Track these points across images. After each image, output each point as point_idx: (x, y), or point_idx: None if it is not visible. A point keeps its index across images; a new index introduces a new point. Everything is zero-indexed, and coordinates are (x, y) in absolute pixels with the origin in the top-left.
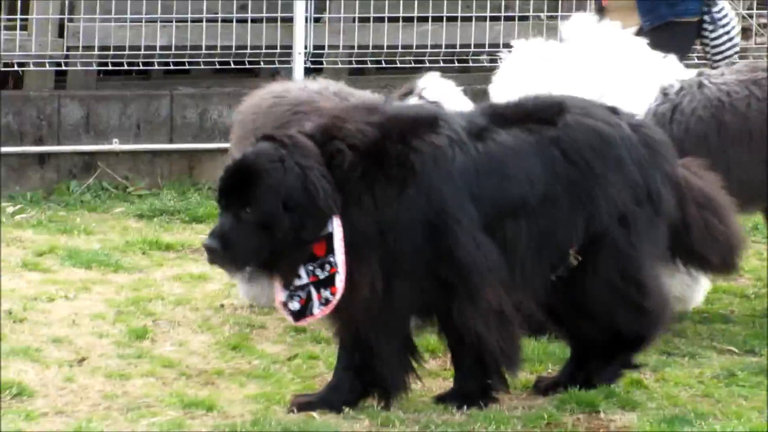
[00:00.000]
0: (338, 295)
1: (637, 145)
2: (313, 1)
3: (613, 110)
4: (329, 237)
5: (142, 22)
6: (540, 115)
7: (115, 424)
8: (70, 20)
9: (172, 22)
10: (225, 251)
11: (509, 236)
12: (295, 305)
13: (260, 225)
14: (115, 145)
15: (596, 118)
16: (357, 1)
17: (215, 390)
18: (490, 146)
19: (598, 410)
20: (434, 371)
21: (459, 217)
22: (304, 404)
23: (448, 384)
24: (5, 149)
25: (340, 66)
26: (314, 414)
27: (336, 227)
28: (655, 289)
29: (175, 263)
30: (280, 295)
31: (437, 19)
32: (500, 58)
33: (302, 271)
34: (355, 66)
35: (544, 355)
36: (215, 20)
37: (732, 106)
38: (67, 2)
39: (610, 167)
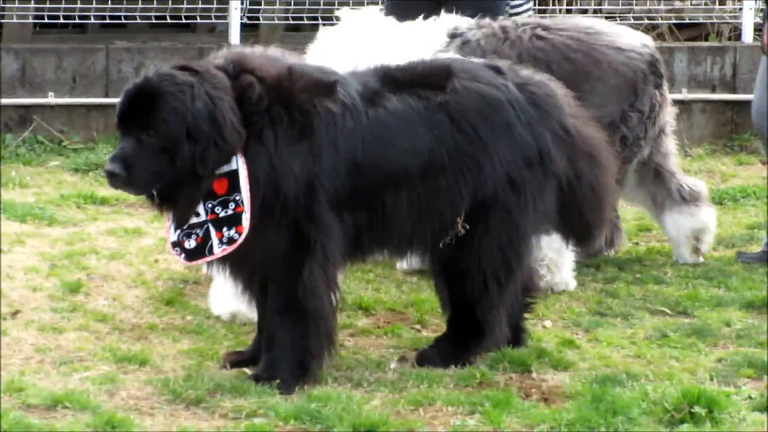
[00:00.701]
0: (244, 234)
1: (525, 105)
2: None
3: (498, 70)
4: (233, 174)
5: None
6: (429, 80)
7: (48, 378)
8: None
9: None
10: (127, 175)
11: (389, 205)
12: (191, 243)
13: (162, 149)
14: (51, 99)
15: (483, 81)
16: None
17: (148, 345)
18: (380, 113)
19: (530, 370)
20: (367, 329)
21: (325, 188)
22: (236, 361)
23: (380, 342)
24: None
25: (276, 22)
26: (246, 370)
27: (241, 164)
28: (528, 258)
29: (110, 217)
30: (173, 234)
31: None
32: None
33: (200, 208)
34: (291, 23)
35: None
36: None
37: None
38: None
39: (498, 132)
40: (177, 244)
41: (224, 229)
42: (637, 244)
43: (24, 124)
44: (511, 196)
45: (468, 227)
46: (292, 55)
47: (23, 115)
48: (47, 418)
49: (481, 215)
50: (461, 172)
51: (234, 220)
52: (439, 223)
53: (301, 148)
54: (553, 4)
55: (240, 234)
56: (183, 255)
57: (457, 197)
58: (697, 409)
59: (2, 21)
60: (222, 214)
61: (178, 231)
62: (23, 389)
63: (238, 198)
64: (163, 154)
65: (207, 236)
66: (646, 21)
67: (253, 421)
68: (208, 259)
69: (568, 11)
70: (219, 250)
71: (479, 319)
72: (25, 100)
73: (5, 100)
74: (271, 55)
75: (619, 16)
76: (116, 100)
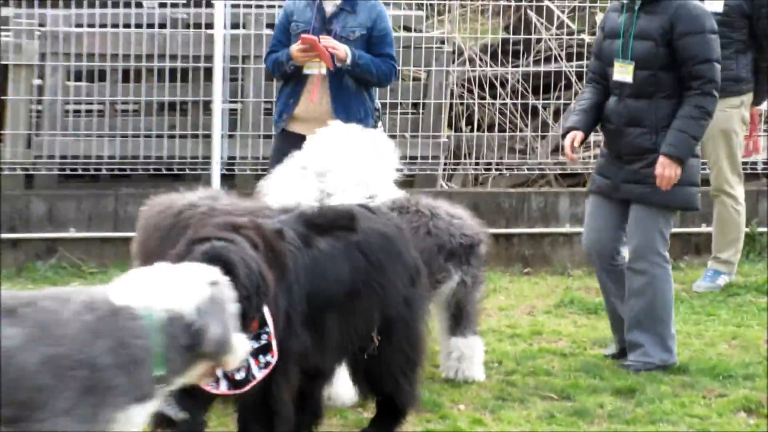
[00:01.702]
0: (275, 357)
1: (402, 235)
2: (227, 121)
3: (371, 210)
4: (261, 314)
5: (93, 137)
6: (341, 223)
7: None
8: (37, 135)
9: (116, 137)
10: None
11: (326, 325)
12: (241, 374)
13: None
14: (72, 233)
15: (378, 221)
16: (261, 121)
17: None
18: (315, 252)
19: None
20: None
21: (297, 311)
22: None
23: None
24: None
25: (249, 173)
26: None
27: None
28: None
29: None
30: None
31: None
32: None
33: None
34: (260, 173)
35: None
36: (150, 135)
37: None
38: (33, 120)
39: (394, 260)
40: (225, 376)
41: (260, 356)
42: (530, 344)
43: (50, 253)
44: (407, 310)
45: (380, 338)
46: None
47: (50, 246)
48: None
49: (387, 328)
50: (372, 295)
51: (267, 348)
52: (359, 337)
53: (283, 285)
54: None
55: (273, 357)
56: (229, 385)
57: (371, 315)
58: None
59: (33, 173)
60: (256, 346)
61: None
62: None
63: (267, 330)
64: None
65: (249, 366)
66: (537, 171)
67: None
68: (253, 383)
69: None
70: (260, 375)
71: (398, 404)
72: (51, 234)
73: (36, 235)
74: (237, 212)
75: (517, 168)
76: (124, 234)
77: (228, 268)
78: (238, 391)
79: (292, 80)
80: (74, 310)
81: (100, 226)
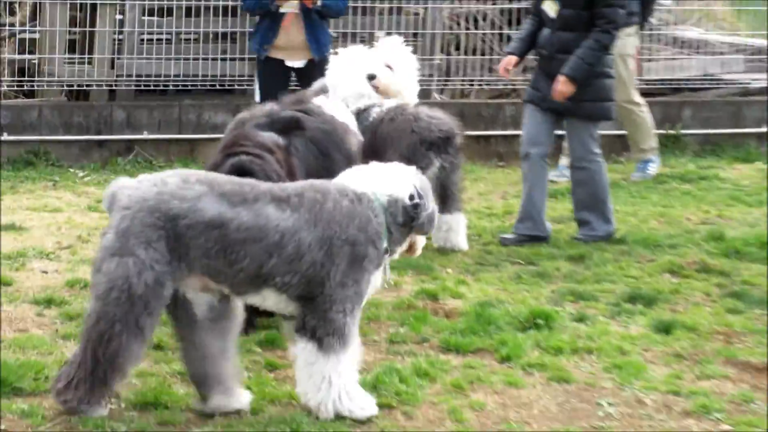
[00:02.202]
0: None
1: (340, 128)
2: None
3: (312, 113)
4: None
5: (162, 60)
6: (293, 125)
7: None
8: (118, 58)
9: (180, 60)
10: None
11: None
12: None
13: None
14: (145, 135)
15: (318, 121)
16: None
17: None
18: (298, 153)
19: (438, 298)
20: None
21: None
22: None
23: None
24: (88, 137)
25: None
26: None
27: None
28: None
29: None
30: None
31: None
32: None
33: None
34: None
35: None
36: (207, 59)
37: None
38: (116, 47)
39: (337, 148)
40: None
41: None
42: (503, 222)
43: (128, 151)
44: None
45: None
46: None
47: (128, 146)
48: None
49: None
50: (325, 177)
51: None
52: None
53: None
54: (453, 76)
55: None
56: None
57: None
58: (539, 320)
59: (116, 88)
60: None
61: None
62: None
63: None
64: None
65: None
66: (509, 86)
67: None
68: None
69: None
70: None
71: None
72: (129, 136)
73: (117, 137)
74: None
75: (494, 84)
76: (186, 136)
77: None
78: None
79: (268, 17)
80: (333, 198)
81: (167, 130)
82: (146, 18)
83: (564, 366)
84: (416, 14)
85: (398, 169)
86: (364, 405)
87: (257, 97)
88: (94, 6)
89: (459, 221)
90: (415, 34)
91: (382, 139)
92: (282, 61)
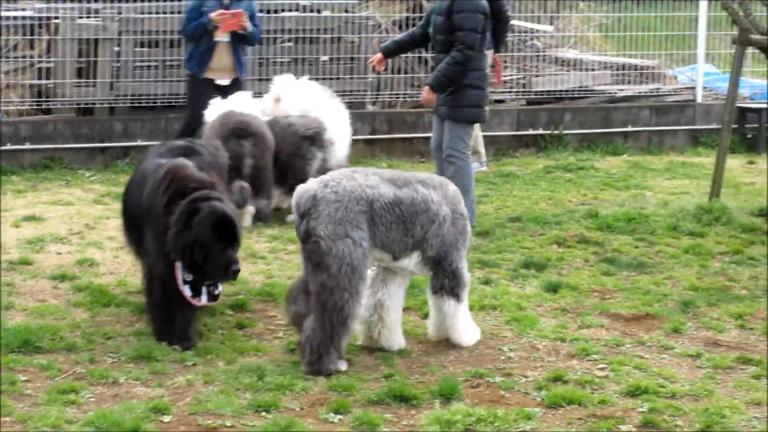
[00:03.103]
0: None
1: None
2: None
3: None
4: None
5: (151, 81)
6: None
7: None
8: (116, 81)
9: (166, 81)
10: None
11: None
12: (218, 290)
13: None
14: (139, 142)
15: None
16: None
17: None
18: None
19: None
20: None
21: None
22: None
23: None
24: (93, 145)
25: None
26: None
27: None
28: None
29: None
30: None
31: None
32: None
33: None
34: None
35: None
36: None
37: None
38: (114, 73)
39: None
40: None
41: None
42: None
43: (125, 155)
44: None
45: None
46: None
47: (125, 151)
48: None
49: None
50: None
51: None
52: None
53: None
54: (382, 91)
55: None
56: (208, 298)
57: None
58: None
59: (115, 105)
60: None
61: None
62: None
63: None
64: None
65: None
66: None
67: None
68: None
69: None
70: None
71: None
72: (126, 143)
73: (116, 144)
74: None
75: (415, 96)
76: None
77: None
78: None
79: (204, 43)
80: (450, 185)
81: (157, 138)
82: (138, 49)
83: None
84: (352, 42)
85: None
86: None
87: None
88: (96, 41)
89: None
90: (352, 58)
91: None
92: (212, 80)
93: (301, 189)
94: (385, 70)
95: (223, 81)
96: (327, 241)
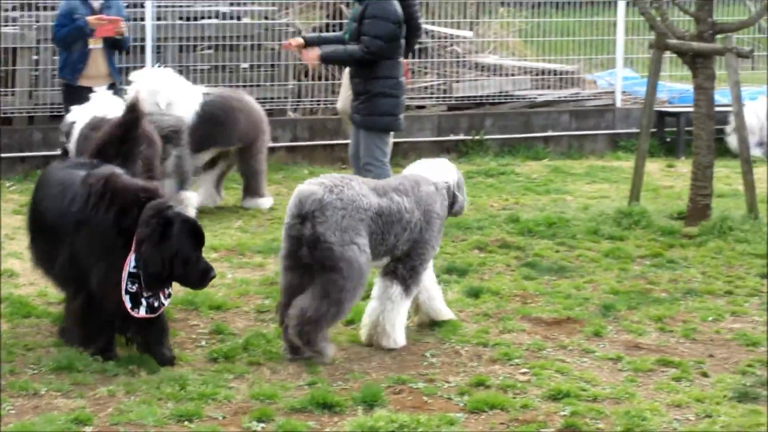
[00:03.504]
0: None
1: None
2: None
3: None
4: None
5: None
6: None
7: None
8: (35, 90)
9: None
10: None
11: None
12: (157, 302)
13: None
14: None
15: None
16: None
17: None
18: None
19: None
20: None
21: None
22: None
23: None
24: (12, 155)
25: None
26: None
27: None
28: None
29: None
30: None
31: None
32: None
33: None
34: None
35: None
36: None
37: None
38: (33, 80)
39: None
40: (146, 303)
41: (166, 289)
42: None
43: (46, 165)
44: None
45: None
46: None
47: (46, 161)
48: None
49: None
50: None
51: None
52: None
53: None
54: (303, 98)
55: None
56: (147, 310)
57: None
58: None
59: (34, 114)
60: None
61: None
62: None
63: None
64: None
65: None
66: None
67: None
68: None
69: None
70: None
71: None
72: (45, 152)
73: (36, 153)
74: None
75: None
76: None
77: None
78: (152, 316)
79: (77, 50)
80: (425, 185)
81: None
82: (56, 58)
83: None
84: (272, 49)
85: (446, 165)
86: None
87: None
88: (14, 49)
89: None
90: (272, 65)
91: None
92: (89, 88)
93: (304, 190)
94: (306, 76)
95: (101, 87)
96: (338, 247)
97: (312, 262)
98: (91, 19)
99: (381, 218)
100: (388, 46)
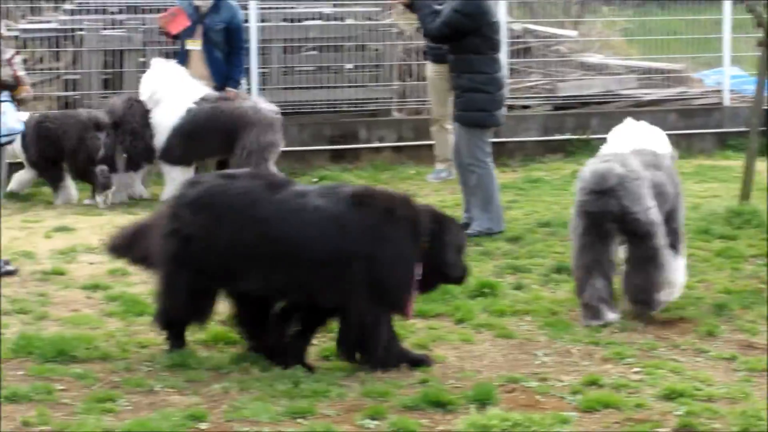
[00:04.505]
0: None
1: None
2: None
3: None
4: None
5: None
6: None
7: None
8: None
9: None
10: None
11: None
12: None
13: None
14: None
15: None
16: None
17: None
18: None
19: None
20: None
21: None
22: None
23: None
24: None
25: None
26: None
27: None
28: None
29: None
30: None
31: None
32: None
33: None
34: None
35: None
36: None
37: None
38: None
39: None
40: None
41: None
42: None
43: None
44: None
45: None
46: None
47: None
48: None
49: None
50: None
51: None
52: None
53: None
54: (407, 98)
55: None
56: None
57: None
58: (486, 290)
59: None
60: None
61: None
62: None
63: None
64: None
65: None
66: None
67: None
68: None
69: None
70: None
71: None
72: None
73: None
74: None
75: None
76: None
77: None
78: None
79: (178, 56)
80: (667, 159)
81: None
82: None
83: (507, 325)
84: (377, 50)
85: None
86: None
87: None
88: (121, 52)
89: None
90: (377, 65)
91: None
92: None
93: (601, 168)
94: (410, 76)
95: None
96: (642, 215)
97: (623, 235)
98: (158, 18)
99: (654, 189)
100: (453, 36)
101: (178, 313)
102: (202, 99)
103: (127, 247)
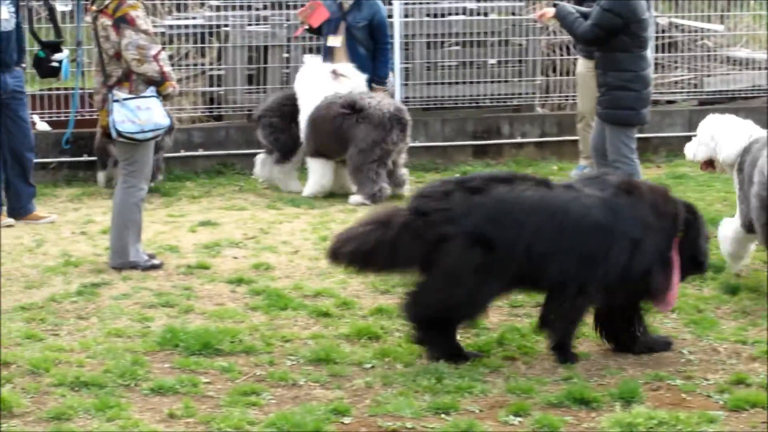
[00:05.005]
0: None
1: None
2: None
3: None
4: None
5: None
6: None
7: None
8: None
9: None
10: None
11: None
12: None
13: None
14: None
15: None
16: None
17: None
18: None
19: None
20: None
21: None
22: None
23: None
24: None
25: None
26: None
27: None
28: None
29: None
30: None
31: None
32: None
33: None
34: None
35: None
36: None
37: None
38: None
39: None
40: None
41: None
42: None
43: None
44: None
45: None
46: None
47: None
48: None
49: None
50: None
51: None
52: None
53: None
54: (551, 93)
55: None
56: None
57: None
58: None
59: None
60: None
61: None
62: None
63: None
64: None
65: None
66: None
67: None
68: None
69: None
70: None
71: None
72: None
73: None
74: None
75: None
76: None
77: None
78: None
79: (323, 50)
80: None
81: None
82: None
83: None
84: (520, 45)
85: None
86: None
87: None
88: (266, 48)
89: None
90: (520, 60)
91: None
92: None
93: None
94: (554, 71)
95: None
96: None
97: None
98: (297, 12)
99: None
100: (606, 36)
101: (474, 318)
102: (334, 95)
103: (364, 254)
